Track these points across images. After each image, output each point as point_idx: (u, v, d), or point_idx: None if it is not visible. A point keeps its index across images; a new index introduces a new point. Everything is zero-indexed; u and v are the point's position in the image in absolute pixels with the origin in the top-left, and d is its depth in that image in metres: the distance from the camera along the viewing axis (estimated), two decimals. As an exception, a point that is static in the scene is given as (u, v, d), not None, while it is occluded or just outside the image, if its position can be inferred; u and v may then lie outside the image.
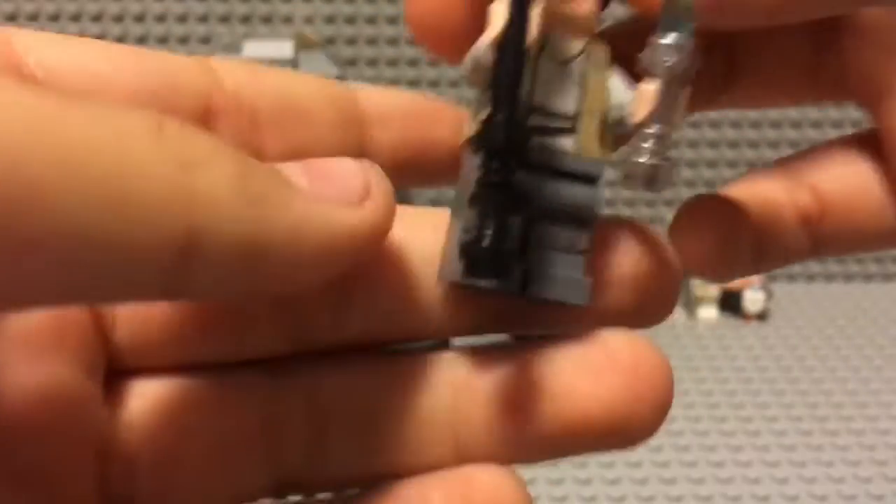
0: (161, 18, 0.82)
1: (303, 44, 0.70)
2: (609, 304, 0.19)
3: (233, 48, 0.70)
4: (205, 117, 0.19)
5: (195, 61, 0.19)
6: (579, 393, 0.18)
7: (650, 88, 0.17)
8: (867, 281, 0.87)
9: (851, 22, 0.21)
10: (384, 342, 0.20)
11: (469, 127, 0.18)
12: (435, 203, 0.83)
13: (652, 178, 0.17)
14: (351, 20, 0.82)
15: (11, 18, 0.81)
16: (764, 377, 0.71)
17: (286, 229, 0.15)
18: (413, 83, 0.81)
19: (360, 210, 0.16)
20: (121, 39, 0.81)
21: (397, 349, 0.19)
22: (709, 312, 0.79)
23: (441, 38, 0.19)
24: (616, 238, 0.19)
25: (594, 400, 0.18)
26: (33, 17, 0.81)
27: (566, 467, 0.60)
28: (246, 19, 0.82)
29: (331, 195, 0.16)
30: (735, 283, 0.79)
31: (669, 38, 0.17)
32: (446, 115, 0.21)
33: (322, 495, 0.20)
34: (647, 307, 0.19)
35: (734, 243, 0.21)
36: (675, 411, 0.64)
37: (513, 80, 0.16)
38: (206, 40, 0.82)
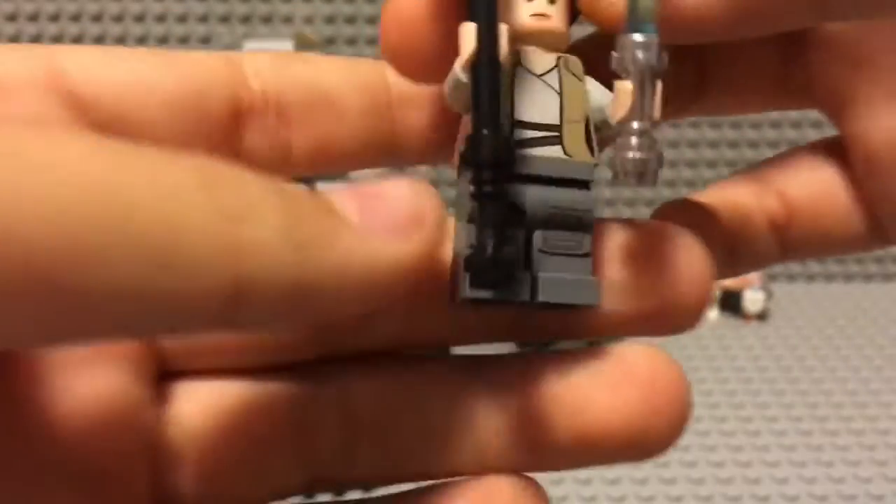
0: (161, 18, 0.82)
1: (303, 44, 0.70)
2: (641, 308, 0.19)
3: (233, 48, 0.70)
4: (234, 117, 0.19)
5: (223, 60, 0.20)
6: (597, 405, 0.18)
7: (626, 86, 0.17)
8: (867, 281, 0.87)
9: (816, 35, 0.22)
10: (408, 347, 0.20)
11: (456, 149, 0.19)
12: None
13: (642, 173, 0.17)
14: (351, 20, 0.82)
15: (11, 18, 0.81)
16: (764, 377, 0.71)
17: (331, 269, 0.15)
18: (413, 83, 0.81)
19: (408, 243, 0.16)
20: (121, 40, 0.82)
21: (421, 355, 0.20)
22: (709, 312, 0.79)
23: (416, 67, 0.19)
24: (658, 241, 0.19)
25: (611, 412, 0.18)
26: (33, 18, 0.81)
27: (566, 467, 0.60)
28: (246, 19, 0.82)
29: (379, 226, 0.16)
30: (735, 283, 0.79)
31: (638, 37, 0.17)
32: None
33: (350, 495, 0.20)
34: (679, 312, 0.19)
35: (710, 249, 0.21)
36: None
37: (492, 94, 0.16)
38: (206, 40, 0.82)
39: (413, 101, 0.21)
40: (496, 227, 0.16)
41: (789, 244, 0.23)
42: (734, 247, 0.23)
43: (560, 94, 0.18)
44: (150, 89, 0.19)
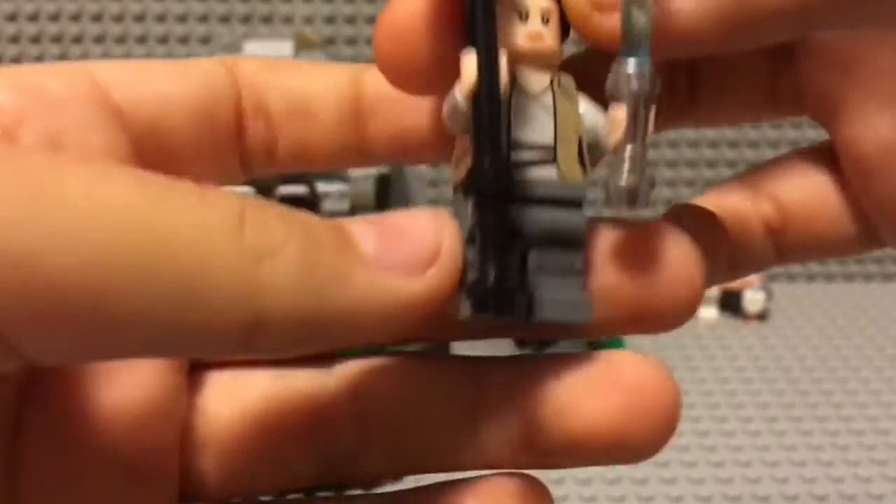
0: (161, 18, 0.82)
1: (303, 44, 0.70)
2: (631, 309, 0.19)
3: (233, 48, 0.70)
4: (237, 122, 0.21)
5: (223, 67, 0.21)
6: (583, 408, 0.19)
7: (619, 114, 0.18)
8: (867, 281, 0.87)
9: (804, 42, 0.22)
10: (413, 342, 0.21)
11: (455, 172, 0.19)
12: (434, 203, 0.83)
13: (633, 198, 0.18)
14: (351, 20, 0.82)
15: (11, 18, 0.81)
16: (764, 377, 0.71)
17: (345, 306, 0.16)
18: (413, 83, 0.81)
19: (423, 279, 0.17)
20: (121, 40, 0.82)
21: (426, 353, 0.21)
22: (709, 312, 0.79)
23: (409, 78, 0.20)
24: (653, 240, 0.19)
25: (597, 416, 0.19)
26: (33, 18, 0.81)
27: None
28: (246, 19, 0.82)
29: (396, 261, 0.17)
30: (735, 283, 0.79)
31: (631, 65, 0.18)
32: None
33: (355, 490, 0.22)
34: (669, 312, 0.20)
35: (715, 253, 0.22)
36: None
37: (493, 125, 0.17)
38: (206, 40, 0.82)
39: (383, 113, 0.22)
40: (498, 256, 0.17)
41: (784, 248, 0.24)
42: (734, 251, 0.23)
43: (554, 114, 0.19)
44: (174, 100, 0.20)
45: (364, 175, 0.66)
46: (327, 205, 0.64)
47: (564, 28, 0.19)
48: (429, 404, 0.20)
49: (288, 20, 0.81)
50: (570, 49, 0.20)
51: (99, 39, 0.82)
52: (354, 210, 0.65)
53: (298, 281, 0.16)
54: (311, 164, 0.22)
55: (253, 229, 0.16)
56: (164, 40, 0.82)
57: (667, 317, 0.19)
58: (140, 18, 0.82)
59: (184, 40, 0.82)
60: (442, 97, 0.19)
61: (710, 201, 0.24)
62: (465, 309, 0.18)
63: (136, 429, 0.19)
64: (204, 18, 0.82)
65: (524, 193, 0.18)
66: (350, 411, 0.20)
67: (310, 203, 0.64)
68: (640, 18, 0.17)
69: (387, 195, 0.69)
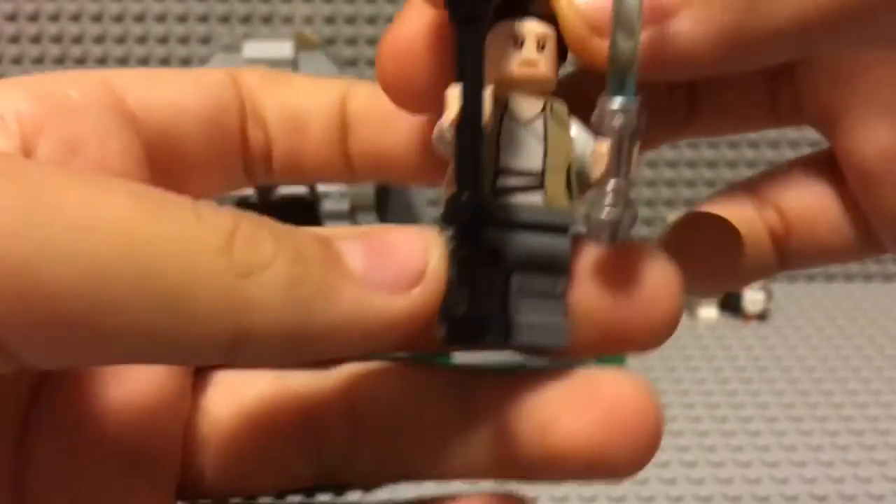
0: (161, 18, 0.82)
1: (303, 44, 0.70)
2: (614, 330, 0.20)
3: (233, 48, 0.70)
4: (242, 131, 0.21)
5: (229, 77, 0.21)
6: (562, 426, 0.19)
7: (602, 148, 0.18)
8: (867, 281, 0.87)
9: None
10: (403, 351, 0.21)
11: (444, 194, 0.19)
12: (434, 204, 0.83)
13: (613, 232, 0.18)
14: (351, 20, 0.82)
15: (11, 18, 0.81)
16: (764, 377, 0.71)
17: (328, 323, 0.17)
18: (413, 83, 0.81)
19: (408, 297, 0.17)
20: (121, 40, 0.82)
21: (420, 362, 0.21)
22: (709, 312, 0.79)
23: (410, 98, 0.20)
24: (635, 262, 0.19)
25: (575, 433, 0.19)
26: (33, 18, 0.81)
27: (566, 467, 0.60)
28: (246, 19, 0.82)
29: (383, 280, 0.17)
30: (735, 283, 0.79)
31: (616, 103, 0.18)
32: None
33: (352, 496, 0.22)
34: (650, 333, 0.20)
35: (732, 261, 0.22)
36: (675, 411, 0.64)
37: (473, 160, 0.17)
38: (206, 40, 0.82)
39: (368, 125, 0.22)
40: (471, 286, 0.17)
41: (787, 256, 0.24)
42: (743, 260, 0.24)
43: (544, 141, 0.19)
44: (186, 107, 0.21)
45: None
46: (327, 205, 0.64)
47: (563, 52, 0.19)
48: (418, 411, 0.20)
49: (288, 20, 0.81)
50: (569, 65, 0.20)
51: (99, 39, 0.82)
52: (354, 210, 0.65)
53: (284, 296, 0.16)
54: (303, 177, 0.22)
55: (243, 245, 0.16)
56: (164, 40, 0.82)
57: (645, 338, 0.20)
58: (140, 18, 0.82)
59: (184, 40, 0.82)
60: (433, 119, 0.19)
61: (716, 209, 0.24)
62: (440, 333, 0.18)
63: (139, 425, 0.20)
64: (204, 18, 0.82)
65: (510, 218, 0.18)
66: (344, 413, 0.21)
67: (310, 203, 0.64)
68: (627, 45, 0.17)
69: (387, 196, 0.69)
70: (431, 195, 0.80)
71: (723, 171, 0.85)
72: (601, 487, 0.58)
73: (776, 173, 0.24)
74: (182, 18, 0.82)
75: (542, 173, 0.19)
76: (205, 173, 0.21)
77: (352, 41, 0.82)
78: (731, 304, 0.79)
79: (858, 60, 0.21)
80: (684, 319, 0.83)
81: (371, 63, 0.83)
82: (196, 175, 0.21)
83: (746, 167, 0.85)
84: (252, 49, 0.68)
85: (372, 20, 0.82)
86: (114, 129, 0.20)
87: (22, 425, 0.19)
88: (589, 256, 0.19)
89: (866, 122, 0.22)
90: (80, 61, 0.82)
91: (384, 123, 0.21)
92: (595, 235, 0.18)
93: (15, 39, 0.81)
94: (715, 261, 0.23)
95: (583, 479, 0.20)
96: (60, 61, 0.82)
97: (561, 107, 0.19)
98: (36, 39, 0.82)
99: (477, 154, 0.17)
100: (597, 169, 0.18)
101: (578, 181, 0.19)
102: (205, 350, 0.16)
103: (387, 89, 0.20)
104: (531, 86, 0.19)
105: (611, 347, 0.20)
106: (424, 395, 0.20)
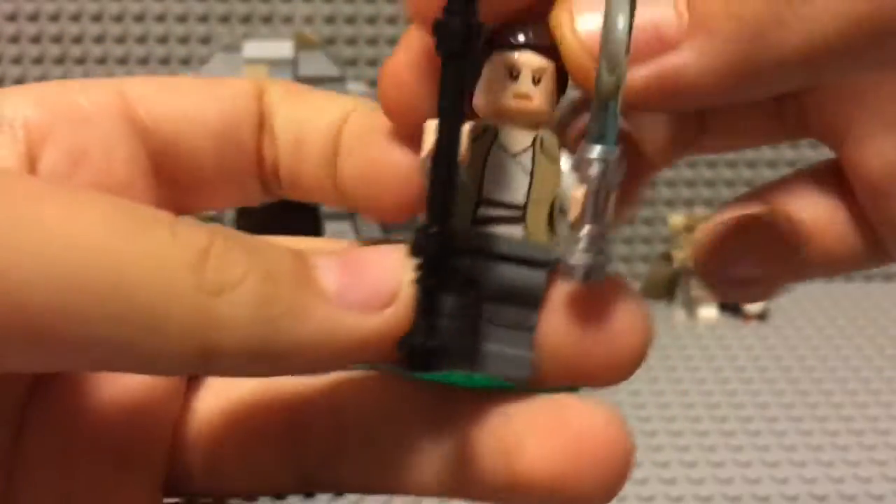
0: (161, 18, 0.82)
1: (303, 44, 0.70)
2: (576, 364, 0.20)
3: (233, 48, 0.70)
4: (258, 138, 0.21)
5: (253, 88, 0.21)
6: (527, 451, 0.19)
7: (579, 193, 0.18)
8: (867, 281, 0.87)
9: None
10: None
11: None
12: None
13: (586, 275, 0.18)
14: (351, 20, 0.82)
15: (11, 18, 0.81)
16: (764, 377, 0.71)
17: (296, 341, 0.17)
18: (413, 83, 0.81)
19: (378, 317, 0.17)
20: (121, 40, 0.82)
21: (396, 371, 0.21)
22: (709, 312, 0.79)
23: (411, 123, 0.20)
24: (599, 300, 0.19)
25: (539, 460, 0.19)
26: (33, 18, 0.81)
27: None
28: (246, 19, 0.82)
29: (355, 299, 0.17)
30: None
31: (595, 151, 0.18)
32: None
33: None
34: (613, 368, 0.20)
35: (784, 266, 0.22)
36: (675, 411, 0.64)
37: (443, 194, 0.17)
38: (206, 40, 0.82)
39: (356, 149, 0.21)
40: (430, 318, 0.17)
41: (798, 266, 0.24)
42: None
43: (531, 174, 0.19)
44: (197, 118, 0.21)
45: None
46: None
47: (562, 85, 0.19)
48: (396, 424, 0.20)
49: (288, 20, 0.81)
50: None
51: (99, 39, 0.82)
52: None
53: (253, 314, 0.16)
54: (305, 195, 0.22)
55: (215, 263, 0.16)
56: (163, 40, 0.82)
57: (609, 373, 0.19)
58: (140, 18, 0.82)
59: (184, 40, 0.82)
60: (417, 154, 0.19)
61: (729, 217, 0.24)
62: (401, 358, 0.18)
63: (129, 423, 0.20)
64: (204, 18, 0.82)
65: (489, 249, 0.19)
66: (328, 420, 0.21)
67: (310, 204, 0.64)
68: (609, 80, 0.17)
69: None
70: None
71: (723, 171, 0.85)
72: (601, 487, 0.58)
73: (785, 183, 0.24)
74: (182, 18, 0.82)
75: (525, 206, 0.19)
76: (215, 185, 0.21)
77: (352, 41, 0.82)
78: (731, 304, 0.79)
79: (864, 75, 0.22)
80: (684, 319, 0.83)
81: (371, 63, 0.83)
82: (206, 187, 0.21)
83: (746, 167, 0.85)
84: (252, 49, 0.68)
85: (372, 20, 0.82)
86: (120, 139, 0.20)
87: (18, 422, 0.20)
88: (560, 291, 0.19)
89: (873, 137, 0.22)
90: (80, 61, 0.82)
91: (371, 152, 0.20)
92: (567, 276, 0.18)
93: (15, 39, 0.81)
94: (767, 269, 0.23)
95: None
96: (60, 61, 0.82)
97: (552, 140, 0.19)
98: (36, 39, 0.82)
99: (448, 188, 0.17)
100: (573, 213, 0.18)
101: (562, 217, 0.19)
102: (174, 363, 0.17)
103: (389, 114, 0.20)
104: (524, 118, 0.19)
105: (575, 380, 0.20)
106: (403, 409, 0.20)
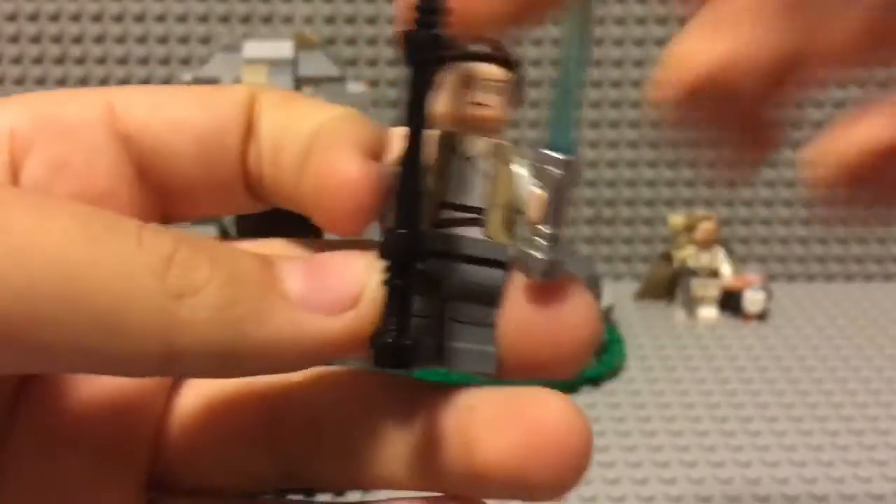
0: (161, 18, 0.82)
1: (303, 44, 0.70)
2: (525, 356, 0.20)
3: (233, 48, 0.70)
4: (245, 146, 0.21)
5: (247, 96, 0.21)
6: (484, 443, 0.19)
7: (538, 194, 0.19)
8: (867, 281, 0.87)
9: None
10: None
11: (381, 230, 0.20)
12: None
13: (545, 272, 0.19)
14: (351, 20, 0.82)
15: (11, 18, 0.81)
16: (764, 377, 0.71)
17: (260, 343, 0.18)
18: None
19: (341, 319, 0.18)
20: (121, 40, 0.82)
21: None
22: (709, 312, 0.79)
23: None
24: (548, 296, 0.20)
25: (497, 452, 0.19)
26: (33, 18, 0.81)
27: (566, 467, 0.60)
28: (246, 19, 0.82)
29: (318, 302, 0.18)
30: (735, 283, 0.79)
31: (554, 155, 0.19)
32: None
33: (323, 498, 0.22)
34: (562, 362, 0.20)
35: None
36: (675, 411, 0.64)
37: (412, 199, 0.18)
38: (206, 40, 0.82)
39: (311, 160, 0.21)
40: (399, 316, 0.18)
41: None
42: None
43: (489, 178, 0.20)
44: (182, 126, 0.21)
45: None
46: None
47: (519, 95, 0.20)
48: (369, 419, 0.20)
49: (288, 20, 0.81)
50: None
51: (99, 39, 0.82)
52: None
53: (215, 317, 0.17)
54: (286, 204, 0.21)
55: (179, 269, 0.17)
56: (163, 40, 0.82)
57: (558, 366, 0.20)
58: (140, 18, 0.82)
59: (184, 40, 0.82)
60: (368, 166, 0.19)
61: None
62: (370, 357, 0.19)
63: (112, 419, 0.21)
64: (204, 18, 0.82)
65: (450, 249, 0.19)
66: (304, 416, 0.21)
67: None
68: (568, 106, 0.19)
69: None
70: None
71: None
72: (601, 487, 0.58)
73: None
74: (182, 18, 0.82)
75: (484, 209, 0.20)
76: (201, 193, 0.21)
77: (352, 41, 0.82)
78: (731, 304, 0.79)
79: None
80: (684, 319, 0.83)
81: (371, 63, 0.83)
82: (192, 194, 0.21)
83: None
84: (252, 49, 0.68)
85: (372, 20, 0.82)
86: (104, 148, 0.20)
87: (5, 421, 0.20)
88: (518, 289, 0.20)
89: None
90: (80, 61, 0.82)
91: (325, 161, 0.20)
92: (528, 273, 0.19)
93: (15, 39, 0.81)
94: None
95: (505, 497, 0.20)
96: (60, 61, 0.82)
97: (509, 147, 0.20)
98: (36, 39, 0.82)
99: (416, 193, 0.18)
100: (532, 213, 0.19)
101: (517, 219, 0.20)
102: (139, 366, 0.17)
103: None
104: (481, 126, 0.20)
105: (533, 373, 0.20)
106: (374, 403, 0.21)
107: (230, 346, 0.17)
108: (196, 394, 0.22)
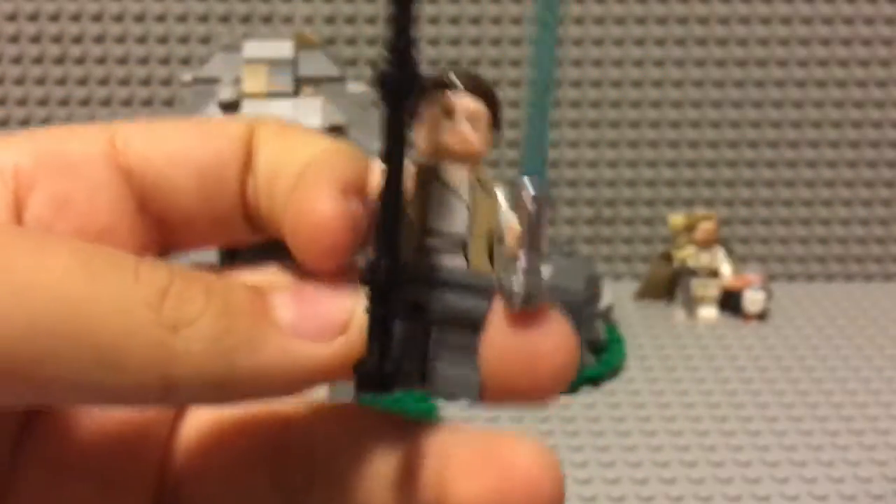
0: (161, 18, 0.82)
1: (303, 44, 0.70)
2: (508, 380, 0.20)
3: (233, 48, 0.70)
4: (243, 179, 0.21)
5: (246, 128, 0.22)
6: (457, 485, 0.19)
7: (516, 226, 0.20)
8: (867, 281, 0.87)
9: None
10: None
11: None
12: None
13: (526, 299, 0.19)
14: (351, 20, 0.82)
15: (11, 18, 0.81)
16: (764, 377, 0.71)
17: (253, 370, 0.18)
18: (413, 83, 0.81)
19: (330, 346, 0.19)
20: (121, 40, 0.82)
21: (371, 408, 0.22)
22: (709, 312, 0.79)
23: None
24: (528, 326, 0.20)
25: (467, 495, 0.19)
26: (33, 18, 0.81)
27: (567, 467, 0.60)
28: (246, 19, 0.82)
29: (309, 329, 0.19)
30: (735, 283, 0.79)
31: (529, 184, 0.19)
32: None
33: None
34: (543, 387, 0.20)
35: None
36: (675, 411, 0.65)
37: (391, 230, 0.19)
38: (206, 40, 0.82)
39: (293, 195, 0.22)
40: (381, 344, 0.19)
41: None
42: None
43: (470, 207, 0.20)
44: (181, 160, 0.21)
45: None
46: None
47: (496, 125, 0.21)
48: (357, 453, 0.21)
49: (288, 20, 0.81)
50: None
51: (99, 39, 0.82)
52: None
53: (209, 348, 0.18)
54: (279, 236, 0.21)
55: (174, 301, 0.18)
56: (163, 40, 0.82)
57: (537, 393, 0.20)
58: (140, 18, 0.82)
59: (184, 40, 0.82)
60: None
61: None
62: (354, 382, 0.19)
63: (118, 446, 0.21)
64: (204, 18, 0.82)
65: (434, 277, 0.20)
66: (303, 448, 0.21)
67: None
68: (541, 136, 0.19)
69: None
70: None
71: (723, 171, 0.85)
72: (601, 487, 0.58)
73: None
74: (182, 18, 0.82)
75: (466, 237, 0.20)
76: (201, 225, 0.22)
77: (352, 41, 0.82)
78: (731, 304, 0.79)
79: None
80: (684, 319, 0.83)
81: (371, 63, 0.83)
82: (192, 227, 0.22)
83: (746, 167, 0.85)
84: (252, 49, 0.68)
85: (372, 20, 0.82)
86: (106, 184, 0.21)
87: (12, 449, 0.20)
88: (498, 315, 0.20)
89: None
90: (80, 61, 0.82)
91: (305, 198, 0.20)
92: (507, 300, 0.20)
93: (15, 39, 0.81)
94: None
95: None
96: (60, 61, 0.82)
97: (488, 176, 0.21)
98: (36, 39, 0.82)
99: (394, 225, 0.19)
100: (510, 241, 0.20)
101: (499, 247, 0.20)
102: (137, 397, 0.18)
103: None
104: (461, 156, 0.20)
105: (513, 398, 0.20)
106: (364, 438, 0.21)
107: (224, 375, 0.18)
108: (200, 421, 0.22)
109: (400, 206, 0.19)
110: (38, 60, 0.82)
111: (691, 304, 0.79)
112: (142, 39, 0.82)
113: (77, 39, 0.82)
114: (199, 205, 0.21)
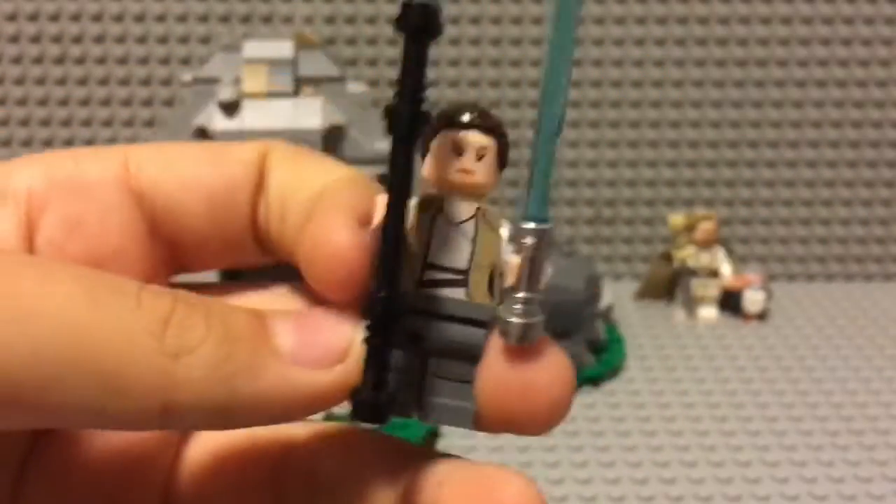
0: (161, 18, 0.82)
1: (303, 44, 0.70)
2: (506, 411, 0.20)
3: (233, 48, 0.70)
4: (255, 202, 0.22)
5: (257, 153, 0.22)
6: None
7: (514, 260, 0.20)
8: (867, 281, 0.87)
9: None
10: None
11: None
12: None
13: (522, 336, 0.20)
14: (351, 20, 0.82)
15: (11, 18, 0.81)
16: (764, 377, 0.71)
17: (253, 397, 0.18)
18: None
19: (329, 374, 0.19)
20: (121, 40, 0.82)
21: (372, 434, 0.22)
22: (709, 312, 0.79)
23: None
24: (524, 359, 0.20)
25: None
26: (33, 18, 0.81)
27: (566, 467, 0.60)
28: (246, 19, 0.82)
29: (308, 357, 0.19)
30: (735, 283, 0.79)
31: (530, 224, 0.20)
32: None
33: None
34: (540, 417, 0.20)
35: None
36: (675, 411, 0.64)
37: (391, 263, 0.19)
38: (206, 40, 0.82)
39: (308, 225, 0.22)
40: (377, 374, 0.19)
41: None
42: None
43: (472, 242, 0.21)
44: (193, 184, 0.22)
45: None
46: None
47: (502, 161, 0.21)
48: (357, 478, 0.21)
49: (288, 20, 0.81)
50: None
51: (99, 40, 0.82)
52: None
53: (209, 375, 0.18)
54: (289, 260, 0.22)
55: (176, 328, 0.18)
56: (163, 40, 0.82)
57: (534, 424, 0.20)
58: (140, 18, 0.82)
59: (184, 40, 0.82)
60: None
61: None
62: (349, 411, 0.19)
63: (122, 470, 0.22)
64: (204, 18, 0.82)
65: (434, 309, 0.20)
66: (304, 472, 0.22)
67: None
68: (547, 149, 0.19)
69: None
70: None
71: (723, 171, 0.85)
72: (601, 487, 0.58)
73: None
74: (182, 18, 0.82)
75: (468, 271, 0.21)
76: (212, 247, 0.22)
77: (352, 41, 0.82)
78: (731, 304, 0.79)
79: None
80: (684, 319, 0.83)
81: (371, 63, 0.83)
82: (203, 249, 0.22)
83: (746, 167, 0.85)
84: (252, 49, 0.68)
85: (372, 20, 0.82)
86: (117, 206, 0.21)
87: (18, 473, 0.21)
88: (497, 348, 0.20)
89: None
90: (80, 61, 0.82)
91: (319, 227, 0.20)
92: (504, 336, 0.20)
93: (15, 39, 0.81)
94: None
95: None
96: (60, 61, 0.82)
97: (493, 211, 0.21)
98: (36, 39, 0.82)
99: (395, 257, 0.19)
100: (509, 278, 0.20)
101: (500, 281, 0.21)
102: (138, 422, 0.18)
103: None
104: (467, 191, 0.21)
105: (508, 429, 0.20)
106: (363, 464, 0.21)
107: (225, 402, 0.18)
108: (204, 444, 0.22)
109: (401, 238, 0.19)
110: (38, 60, 0.82)
111: (691, 304, 0.79)
112: (142, 39, 0.82)
113: (77, 39, 0.82)
114: (210, 228, 0.22)
